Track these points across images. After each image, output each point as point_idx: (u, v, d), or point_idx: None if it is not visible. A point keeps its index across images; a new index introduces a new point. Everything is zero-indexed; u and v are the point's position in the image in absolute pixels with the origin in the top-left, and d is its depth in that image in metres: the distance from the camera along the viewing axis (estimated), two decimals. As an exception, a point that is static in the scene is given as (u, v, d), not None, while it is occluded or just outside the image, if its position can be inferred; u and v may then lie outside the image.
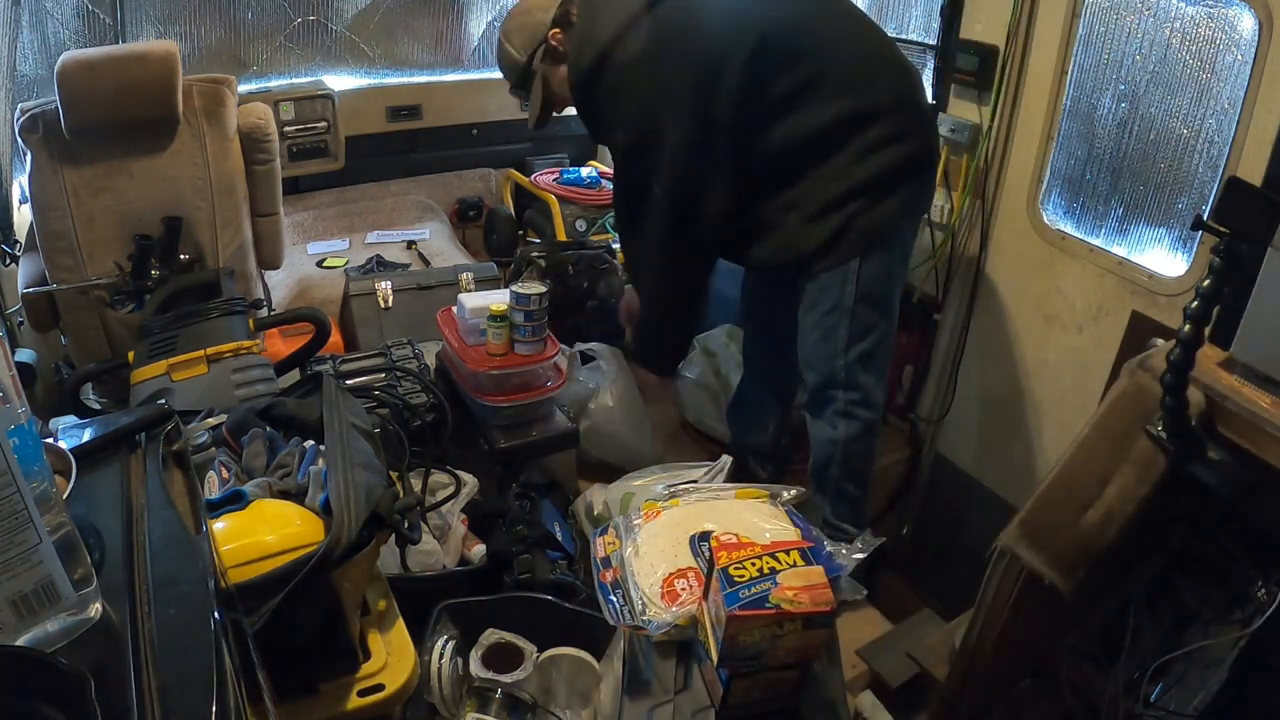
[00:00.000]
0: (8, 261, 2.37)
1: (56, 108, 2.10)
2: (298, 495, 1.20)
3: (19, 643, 0.64)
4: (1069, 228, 2.10)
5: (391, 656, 1.18)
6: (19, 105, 2.23)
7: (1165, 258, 1.92)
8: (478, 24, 3.46)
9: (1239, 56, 1.70)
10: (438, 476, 1.74)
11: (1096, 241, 2.04)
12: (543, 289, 1.87)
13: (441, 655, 1.28)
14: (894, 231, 1.90)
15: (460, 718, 1.26)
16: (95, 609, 0.69)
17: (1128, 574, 1.53)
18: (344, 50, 3.24)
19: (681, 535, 1.30)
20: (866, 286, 1.88)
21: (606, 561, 1.33)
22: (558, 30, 1.93)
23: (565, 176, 3.29)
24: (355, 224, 3.27)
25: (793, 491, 1.39)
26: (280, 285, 2.81)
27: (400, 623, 1.24)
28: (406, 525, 1.19)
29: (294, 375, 2.04)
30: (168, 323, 1.95)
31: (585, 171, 3.33)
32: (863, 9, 2.14)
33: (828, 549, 1.23)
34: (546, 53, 1.96)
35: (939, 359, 2.45)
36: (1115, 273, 1.98)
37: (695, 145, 1.82)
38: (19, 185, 2.45)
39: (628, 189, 2.05)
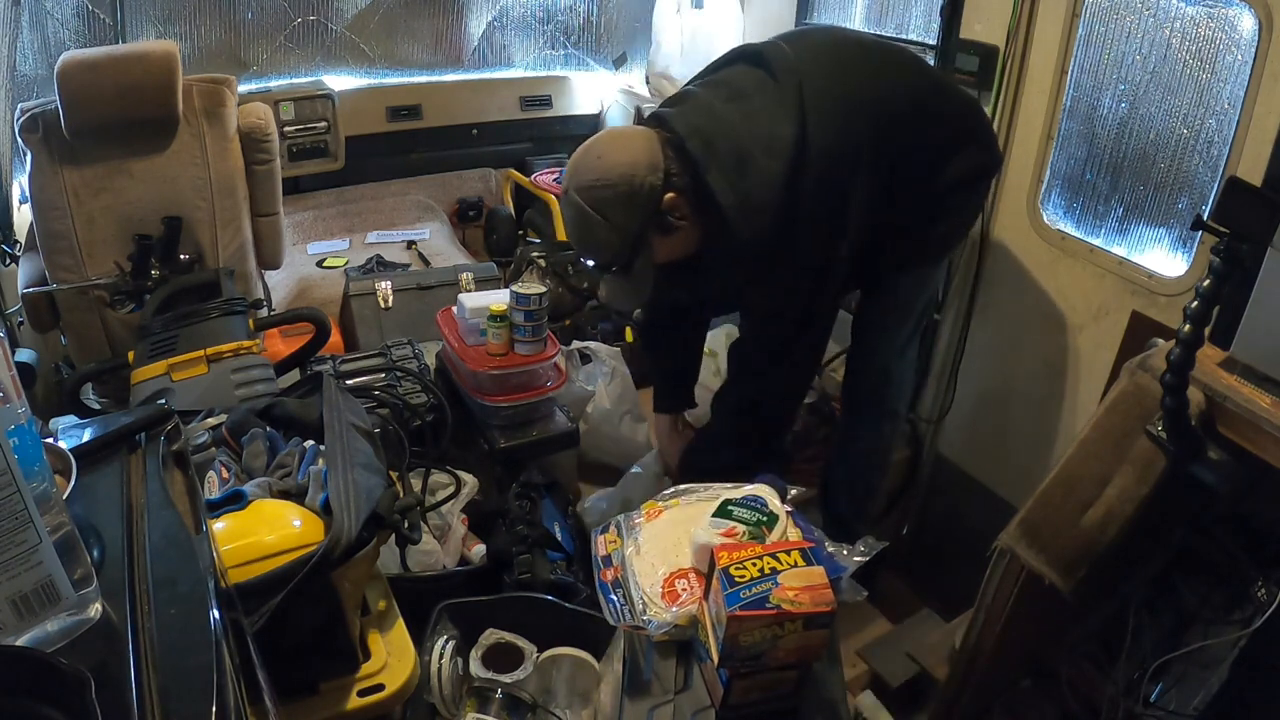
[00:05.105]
0: (8, 261, 2.38)
1: (56, 108, 2.10)
2: (298, 495, 1.20)
3: (19, 643, 0.64)
4: (1069, 228, 2.10)
5: (391, 656, 1.18)
6: (19, 105, 2.23)
7: (1165, 258, 1.92)
8: (478, 24, 3.47)
9: (1239, 56, 1.70)
10: (438, 476, 1.74)
11: (1096, 241, 2.03)
12: (543, 289, 1.87)
13: (441, 655, 1.28)
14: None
15: (460, 718, 1.26)
16: (95, 609, 0.69)
17: (1128, 574, 1.53)
18: (344, 50, 3.24)
19: (683, 535, 1.30)
20: (937, 286, 1.95)
21: (607, 560, 1.32)
22: (674, 194, 1.63)
23: (565, 176, 3.29)
24: (355, 224, 3.27)
25: (793, 491, 1.38)
26: (280, 285, 2.81)
27: (400, 623, 1.24)
28: (406, 525, 1.19)
29: (294, 375, 2.04)
30: (168, 323, 1.95)
31: (585, 171, 3.32)
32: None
33: (829, 550, 1.23)
34: (657, 222, 1.65)
35: (939, 359, 2.44)
36: (1115, 273, 1.98)
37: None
38: (19, 185, 2.45)
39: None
